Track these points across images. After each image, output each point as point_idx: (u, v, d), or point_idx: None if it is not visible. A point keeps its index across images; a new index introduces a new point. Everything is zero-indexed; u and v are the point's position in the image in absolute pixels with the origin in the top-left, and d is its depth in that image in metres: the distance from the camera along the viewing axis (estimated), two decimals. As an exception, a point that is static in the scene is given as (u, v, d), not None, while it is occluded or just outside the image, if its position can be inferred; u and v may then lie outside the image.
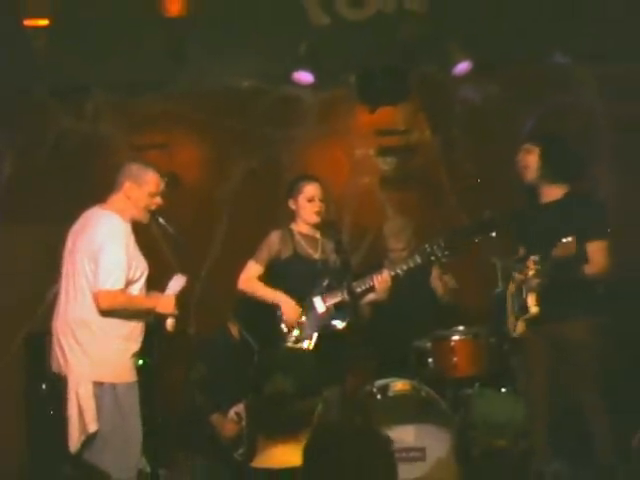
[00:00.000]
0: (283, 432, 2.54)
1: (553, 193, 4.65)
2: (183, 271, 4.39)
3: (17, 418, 5.52)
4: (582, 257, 4.49)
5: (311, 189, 4.84)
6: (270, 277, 4.85)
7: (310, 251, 4.87)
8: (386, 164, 6.34)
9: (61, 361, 4.12)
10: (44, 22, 5.80)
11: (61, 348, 4.12)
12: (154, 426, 4.60)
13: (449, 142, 6.22)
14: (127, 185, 4.22)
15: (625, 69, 5.94)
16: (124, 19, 5.70)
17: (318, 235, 4.91)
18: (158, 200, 4.28)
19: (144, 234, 4.39)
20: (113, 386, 4.06)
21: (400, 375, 4.96)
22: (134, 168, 4.27)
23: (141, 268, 4.19)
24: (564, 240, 4.27)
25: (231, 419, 5.06)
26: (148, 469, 4.76)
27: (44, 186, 6.07)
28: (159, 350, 4.45)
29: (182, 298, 4.31)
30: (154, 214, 4.30)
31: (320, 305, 4.80)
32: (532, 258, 4.40)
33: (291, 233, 4.88)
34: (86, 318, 4.08)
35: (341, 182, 6.19)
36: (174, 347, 4.92)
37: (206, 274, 6.10)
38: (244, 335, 4.96)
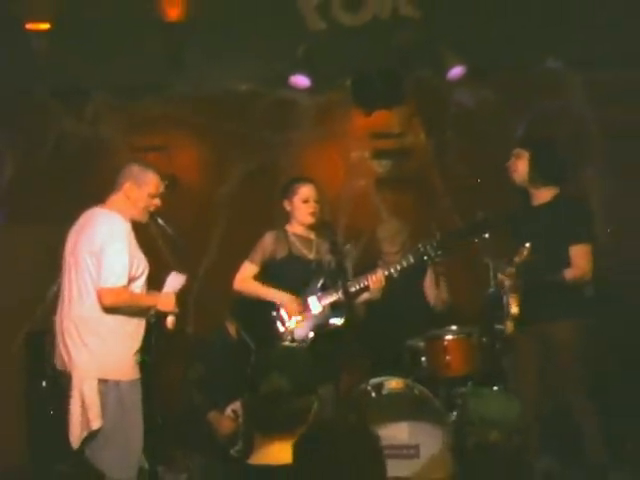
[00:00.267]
0: (279, 429, 2.54)
1: (543, 196, 4.68)
2: (181, 271, 4.38)
3: (17, 416, 5.51)
4: (565, 260, 4.51)
5: (306, 190, 4.83)
6: (265, 277, 4.85)
7: (305, 252, 4.87)
8: (381, 166, 6.34)
9: (65, 358, 4.12)
10: (46, 26, 5.80)
11: (65, 346, 4.11)
12: (153, 424, 4.58)
13: (443, 145, 6.23)
14: (127, 186, 4.22)
15: (614, 75, 5.95)
16: (124, 23, 5.71)
17: (312, 236, 4.91)
18: (157, 201, 4.28)
19: (143, 234, 4.39)
20: (117, 383, 4.06)
21: (394, 374, 4.96)
22: (135, 169, 4.27)
23: (142, 266, 4.19)
24: (527, 244, 4.32)
25: (228, 417, 5.05)
26: (146, 466, 4.75)
27: (45, 187, 6.06)
28: (157, 349, 4.43)
29: (182, 296, 4.30)
30: (153, 215, 4.30)
31: (315, 305, 4.80)
32: (514, 260, 4.43)
33: (285, 234, 4.87)
34: (90, 315, 4.08)
35: (337, 184, 6.19)
36: (172, 346, 4.90)
37: (204, 274, 6.10)
38: (241, 334, 4.96)
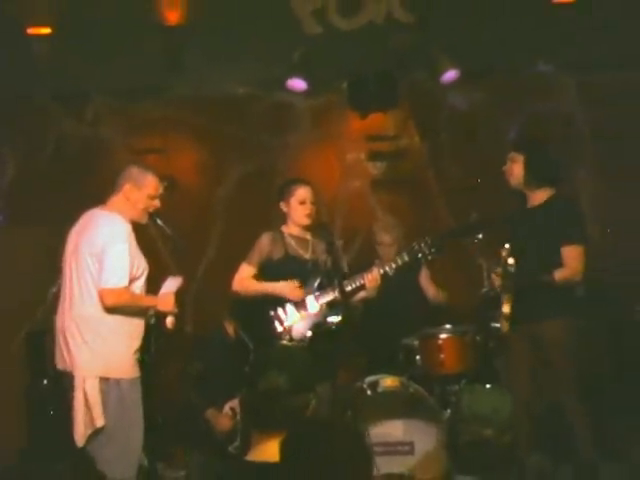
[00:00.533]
0: (276, 427, 2.53)
1: (538, 198, 4.69)
2: (180, 271, 4.39)
3: (18, 414, 5.50)
4: (557, 261, 4.52)
5: (302, 192, 4.83)
6: (263, 278, 4.84)
7: (301, 252, 4.87)
8: (376, 168, 6.34)
9: (66, 358, 4.11)
10: (47, 30, 5.80)
11: (66, 345, 4.10)
12: (152, 421, 4.58)
13: (437, 147, 6.23)
14: (127, 187, 4.22)
15: (605, 78, 5.96)
16: (124, 26, 5.71)
17: (309, 236, 4.91)
18: (156, 202, 4.28)
19: (143, 235, 4.38)
20: (118, 381, 4.06)
21: (389, 372, 4.96)
22: (134, 171, 4.26)
23: (142, 267, 4.19)
24: (506, 245, 4.34)
25: (226, 414, 5.05)
26: (146, 463, 4.75)
27: (45, 188, 6.05)
28: (157, 347, 4.43)
29: (180, 297, 4.30)
30: (152, 216, 4.30)
31: (313, 304, 4.80)
32: (508, 260, 4.43)
33: (282, 235, 4.87)
34: (91, 315, 4.07)
35: (333, 185, 6.20)
36: (171, 345, 4.90)
37: (202, 274, 6.10)
38: (239, 334, 4.96)
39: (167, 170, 5.81)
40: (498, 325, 4.58)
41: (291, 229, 4.88)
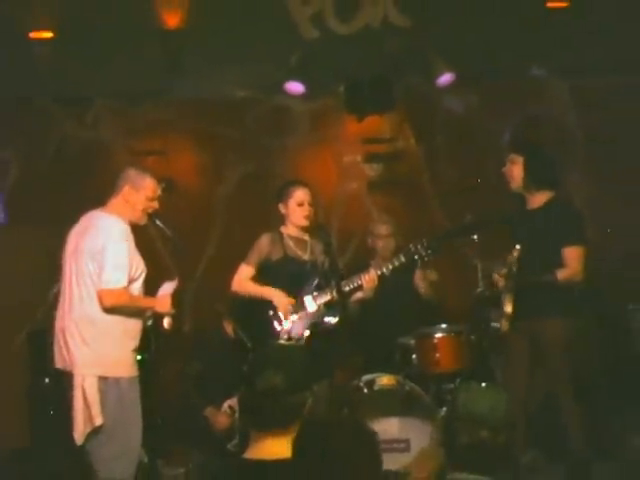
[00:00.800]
0: (274, 425, 2.53)
1: (537, 200, 4.70)
2: (179, 271, 4.39)
3: (20, 413, 5.49)
4: (557, 262, 4.52)
5: (301, 194, 4.83)
6: (262, 278, 4.85)
7: (299, 253, 4.87)
8: (373, 170, 6.34)
9: (65, 357, 4.10)
10: (48, 34, 5.79)
11: (66, 344, 4.10)
12: (152, 420, 4.57)
13: (432, 150, 6.23)
14: (126, 189, 4.22)
15: (600, 82, 5.96)
16: (124, 30, 5.71)
17: (307, 237, 4.91)
18: (155, 204, 4.28)
19: (142, 236, 4.38)
20: (117, 380, 4.05)
21: (385, 370, 4.96)
22: (132, 174, 4.26)
23: (140, 268, 4.19)
24: (517, 246, 4.34)
25: (224, 412, 5.04)
26: (146, 460, 4.74)
27: (47, 190, 6.05)
28: (156, 347, 4.43)
29: (178, 298, 4.30)
30: (152, 217, 4.29)
31: (311, 304, 4.80)
32: (507, 260, 4.43)
33: (281, 236, 4.87)
34: (90, 315, 4.07)
35: (330, 187, 6.19)
36: (170, 344, 4.89)
37: (201, 274, 6.09)
38: (238, 333, 4.95)
39: (167, 172, 5.82)
40: (497, 325, 4.59)
41: (290, 230, 4.88)
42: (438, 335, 5.03)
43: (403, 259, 4.83)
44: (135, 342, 4.16)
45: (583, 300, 4.64)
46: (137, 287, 4.16)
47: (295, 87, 6.05)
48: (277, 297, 4.74)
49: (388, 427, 4.71)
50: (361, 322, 5.15)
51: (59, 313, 4.18)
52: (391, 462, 4.49)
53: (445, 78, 5.97)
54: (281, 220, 4.91)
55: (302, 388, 2.55)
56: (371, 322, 5.24)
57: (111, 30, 5.70)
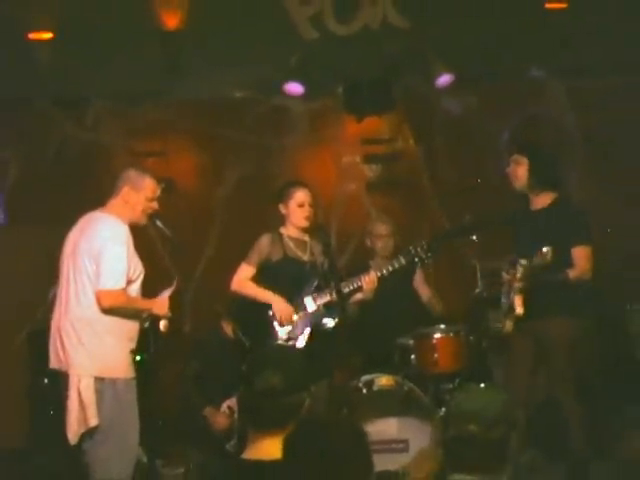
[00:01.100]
0: (272, 425, 2.52)
1: (541, 201, 4.69)
2: (178, 272, 4.38)
3: (20, 413, 5.48)
4: (565, 262, 4.52)
5: (301, 195, 4.82)
6: (262, 279, 4.83)
7: (299, 253, 4.86)
8: (371, 171, 6.33)
9: (61, 357, 4.09)
10: (47, 35, 5.78)
11: (62, 345, 4.08)
12: (151, 420, 4.56)
13: (431, 150, 6.22)
14: (125, 190, 4.20)
15: (598, 83, 5.96)
16: (124, 31, 5.70)
17: (307, 238, 4.90)
18: (154, 205, 4.26)
19: (142, 236, 4.37)
20: (113, 381, 4.03)
21: (384, 371, 4.95)
22: (132, 174, 4.25)
23: (138, 269, 4.17)
24: (544, 249, 4.31)
25: (223, 412, 5.03)
26: (145, 460, 4.73)
27: (47, 190, 6.04)
28: (155, 347, 4.42)
29: (175, 301, 4.29)
30: (151, 217, 4.28)
31: (311, 305, 4.79)
32: (520, 262, 4.42)
33: (280, 236, 4.86)
34: (88, 317, 4.05)
35: (329, 188, 6.18)
36: (170, 344, 4.89)
37: (200, 275, 6.08)
38: (237, 333, 4.94)
39: (167, 172, 5.82)
40: (499, 325, 4.57)
41: (289, 231, 4.87)
42: (437, 335, 5.01)
43: (403, 261, 4.82)
44: (132, 343, 4.14)
45: (587, 299, 4.63)
46: (135, 288, 4.15)
47: (294, 88, 6.05)
48: (277, 303, 4.73)
49: (387, 427, 4.71)
50: (360, 322, 5.14)
51: (56, 313, 4.16)
52: (390, 462, 4.51)
53: (444, 79, 5.97)
54: (281, 221, 4.90)
55: (300, 388, 2.54)
56: (370, 322, 5.22)
57: (111, 31, 5.70)
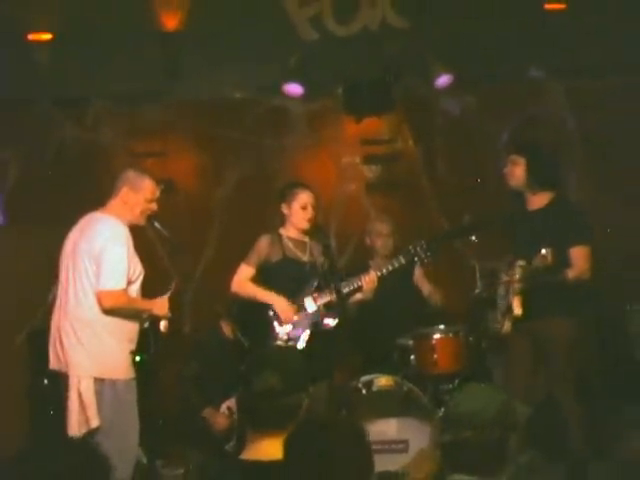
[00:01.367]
0: (270, 425, 2.52)
1: (538, 201, 4.68)
2: (178, 273, 4.37)
3: (19, 413, 5.46)
4: (564, 262, 4.51)
5: (305, 197, 4.82)
6: (261, 279, 4.83)
7: (299, 254, 4.85)
8: (371, 171, 6.32)
9: (61, 358, 4.09)
10: (47, 36, 5.78)
11: (62, 345, 4.08)
12: (151, 420, 4.55)
13: (430, 151, 6.21)
14: (124, 191, 4.20)
15: (597, 83, 5.95)
16: (124, 32, 5.70)
17: (306, 239, 4.89)
18: (154, 206, 4.26)
19: (141, 237, 4.36)
20: (113, 382, 4.03)
21: (384, 371, 4.95)
22: (131, 175, 4.25)
23: (138, 270, 4.18)
24: (543, 251, 4.31)
25: (223, 413, 5.02)
26: (145, 460, 4.73)
27: (47, 191, 6.03)
28: (155, 348, 4.41)
29: (176, 301, 4.28)
30: (150, 218, 4.27)
31: (311, 305, 4.78)
32: (518, 263, 4.41)
33: (280, 237, 4.85)
34: (88, 317, 4.05)
35: (328, 188, 6.16)
36: (169, 345, 4.88)
37: (200, 275, 6.07)
38: (237, 334, 4.94)
39: (166, 173, 5.81)
40: (498, 326, 4.56)
41: (289, 232, 4.87)
42: (436, 336, 5.01)
43: (403, 260, 4.82)
44: (132, 344, 4.14)
45: (586, 300, 4.63)
46: (135, 289, 4.15)
47: (294, 88, 6.04)
48: (278, 303, 4.72)
49: (386, 428, 4.71)
50: (359, 323, 5.14)
51: (55, 314, 4.16)
52: (389, 463, 4.50)
53: (443, 80, 5.96)
54: (280, 221, 4.89)
55: (298, 389, 2.54)
56: (369, 323, 5.22)
57: (110, 32, 5.70)
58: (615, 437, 4.97)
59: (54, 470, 2.14)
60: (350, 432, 2.32)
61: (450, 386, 4.90)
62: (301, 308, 4.77)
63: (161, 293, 4.26)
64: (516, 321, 4.47)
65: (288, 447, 2.31)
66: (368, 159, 6.30)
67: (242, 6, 5.81)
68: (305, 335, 4.73)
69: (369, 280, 4.76)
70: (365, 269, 4.94)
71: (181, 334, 5.68)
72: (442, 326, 5.08)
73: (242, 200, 6.14)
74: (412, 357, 5.00)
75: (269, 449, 2.48)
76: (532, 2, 5.85)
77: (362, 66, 5.93)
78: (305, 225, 4.81)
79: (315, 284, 4.79)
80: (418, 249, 4.79)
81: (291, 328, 4.74)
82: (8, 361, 5.68)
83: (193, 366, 5.21)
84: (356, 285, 4.78)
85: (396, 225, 5.50)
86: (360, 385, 4.85)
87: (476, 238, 4.97)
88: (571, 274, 4.52)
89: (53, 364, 4.14)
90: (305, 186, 4.89)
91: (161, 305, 4.19)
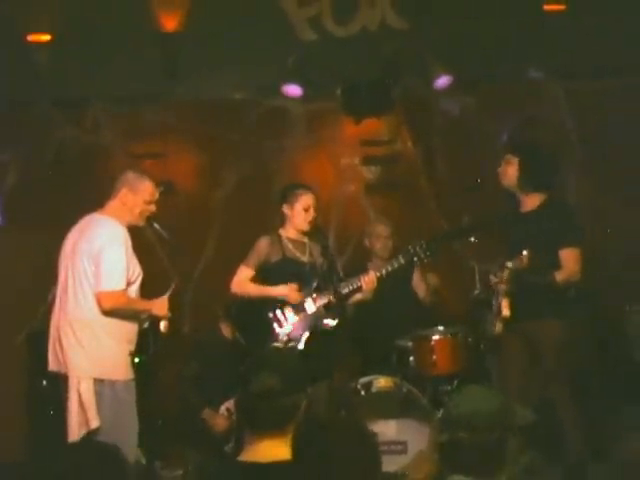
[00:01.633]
0: (269, 427, 2.51)
1: (531, 202, 4.68)
2: (177, 273, 4.37)
3: (18, 414, 5.46)
4: (554, 264, 4.50)
5: (307, 199, 4.82)
6: (261, 280, 4.83)
7: (298, 254, 4.85)
8: (370, 172, 6.32)
9: (60, 359, 4.09)
10: (47, 37, 5.77)
11: (61, 347, 4.08)
12: (150, 421, 4.55)
13: (430, 152, 6.21)
14: (123, 192, 4.21)
15: (596, 85, 5.95)
16: (123, 34, 5.70)
17: (306, 240, 4.89)
18: (152, 207, 4.26)
19: (140, 238, 4.36)
20: (113, 383, 4.03)
21: (383, 372, 4.95)
22: (130, 177, 4.25)
23: (137, 271, 4.18)
24: (523, 253, 4.30)
25: (222, 414, 5.02)
26: (144, 461, 4.72)
27: (46, 192, 6.03)
28: (154, 348, 4.41)
29: (175, 302, 4.28)
30: (149, 219, 4.27)
31: (310, 306, 4.78)
32: (507, 264, 4.41)
33: (279, 238, 4.85)
34: (87, 318, 4.05)
35: (328, 189, 6.15)
36: (169, 345, 4.87)
37: (200, 276, 6.07)
38: (236, 335, 4.93)
39: (166, 174, 5.81)
40: (492, 327, 4.56)
41: (289, 232, 4.87)
42: (435, 337, 5.01)
43: (402, 260, 4.82)
44: (131, 345, 4.14)
45: (578, 301, 4.62)
46: (134, 290, 4.16)
47: (293, 89, 6.04)
48: (287, 290, 4.70)
49: (385, 429, 4.70)
50: (359, 324, 5.13)
51: (54, 315, 4.16)
52: (389, 464, 4.49)
53: (442, 81, 5.95)
54: (280, 222, 4.89)
55: (297, 390, 2.54)
56: (369, 324, 5.22)
57: (110, 33, 5.70)
58: (614, 438, 4.97)
59: (54, 470, 2.13)
60: (359, 434, 2.31)
61: (449, 387, 4.90)
62: (301, 309, 4.77)
63: (161, 293, 4.26)
64: (507, 322, 4.46)
65: (296, 448, 2.30)
66: (367, 160, 6.29)
67: (241, 7, 5.81)
68: (305, 336, 4.73)
69: (368, 280, 4.76)
70: (364, 271, 4.94)
71: (181, 334, 5.68)
72: (441, 327, 5.09)
73: (242, 201, 6.14)
74: (411, 358, 5.00)
75: (268, 450, 2.48)
76: (531, 3, 5.84)
77: (361, 67, 5.93)
78: (306, 227, 4.82)
79: (315, 285, 4.79)
80: (417, 249, 4.79)
81: (291, 329, 4.73)
82: (7, 362, 5.69)
83: (192, 366, 5.21)
84: (355, 286, 4.78)
85: (395, 226, 5.50)
86: (359, 386, 4.86)
87: (475, 239, 4.96)
88: (560, 276, 4.51)
89: (52, 366, 4.14)
90: (307, 188, 4.90)
91: (161, 305, 4.20)
